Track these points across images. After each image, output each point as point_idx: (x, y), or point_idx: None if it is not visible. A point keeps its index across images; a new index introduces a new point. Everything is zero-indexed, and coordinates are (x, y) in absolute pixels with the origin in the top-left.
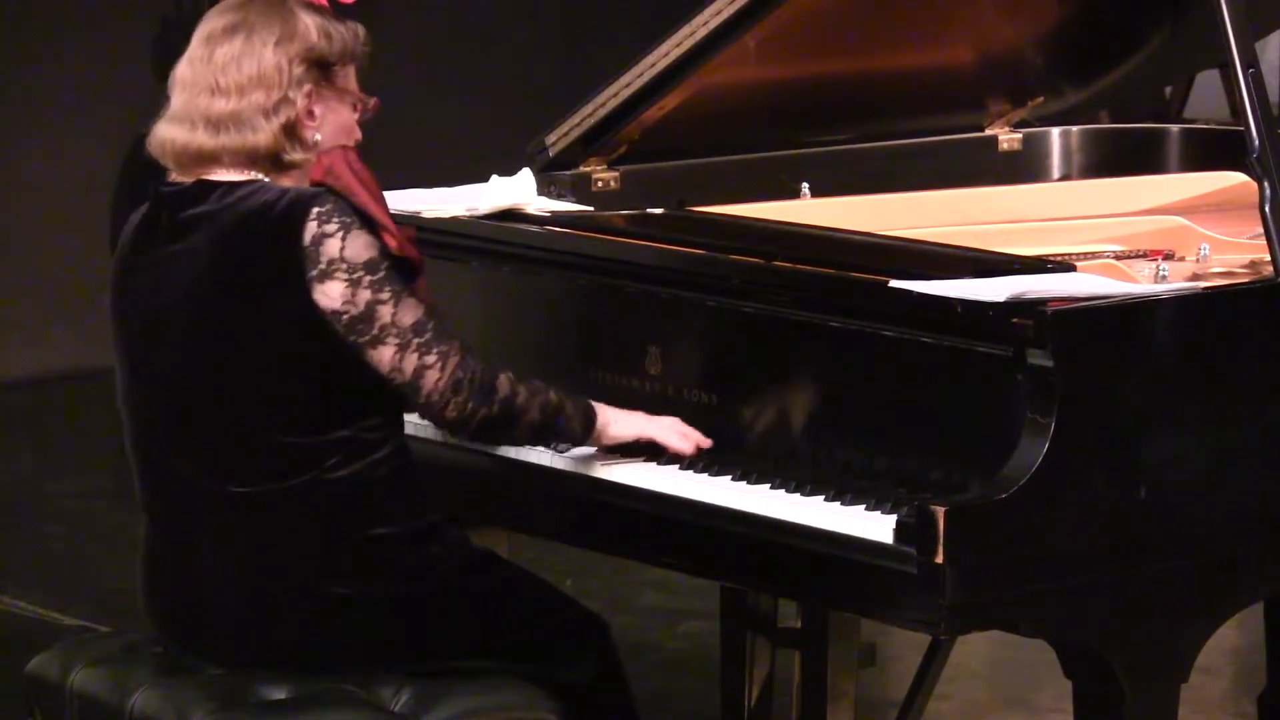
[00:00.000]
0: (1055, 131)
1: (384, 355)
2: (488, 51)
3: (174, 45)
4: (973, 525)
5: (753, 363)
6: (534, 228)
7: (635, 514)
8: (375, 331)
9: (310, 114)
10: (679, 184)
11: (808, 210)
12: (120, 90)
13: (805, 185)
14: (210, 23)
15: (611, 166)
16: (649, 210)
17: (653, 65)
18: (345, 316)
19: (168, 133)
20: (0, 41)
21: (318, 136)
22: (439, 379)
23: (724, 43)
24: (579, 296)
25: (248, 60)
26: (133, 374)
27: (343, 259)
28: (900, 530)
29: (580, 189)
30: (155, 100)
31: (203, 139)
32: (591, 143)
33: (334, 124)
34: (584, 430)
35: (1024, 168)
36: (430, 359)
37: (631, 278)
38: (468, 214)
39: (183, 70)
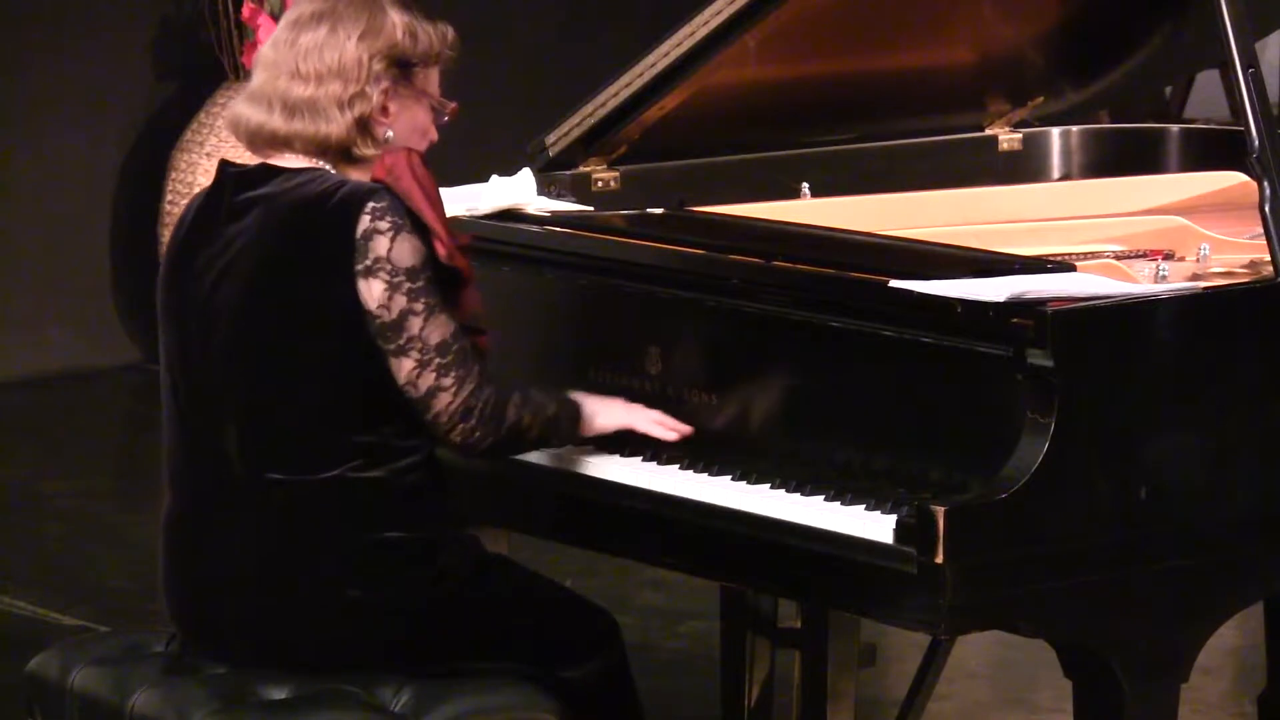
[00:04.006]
0: (1055, 131)
1: (404, 366)
2: (488, 51)
3: (174, 45)
4: (973, 525)
5: (753, 363)
6: (534, 228)
7: (635, 514)
8: (402, 341)
9: (385, 110)
10: (679, 184)
11: (808, 210)
12: (120, 90)
13: (805, 185)
14: (300, 7)
15: (611, 166)
16: (649, 210)
17: (653, 65)
18: (378, 320)
19: (244, 111)
20: (0, 41)
21: (389, 134)
22: (450, 402)
23: (724, 43)
24: (579, 296)
25: (330, 50)
26: (181, 349)
27: (388, 259)
28: (900, 530)
29: (580, 189)
30: (155, 100)
31: (277, 122)
32: (591, 143)
33: (408, 123)
34: (571, 431)
35: (1024, 168)
36: (446, 381)
37: (631, 278)
38: (468, 214)
39: (266, 51)
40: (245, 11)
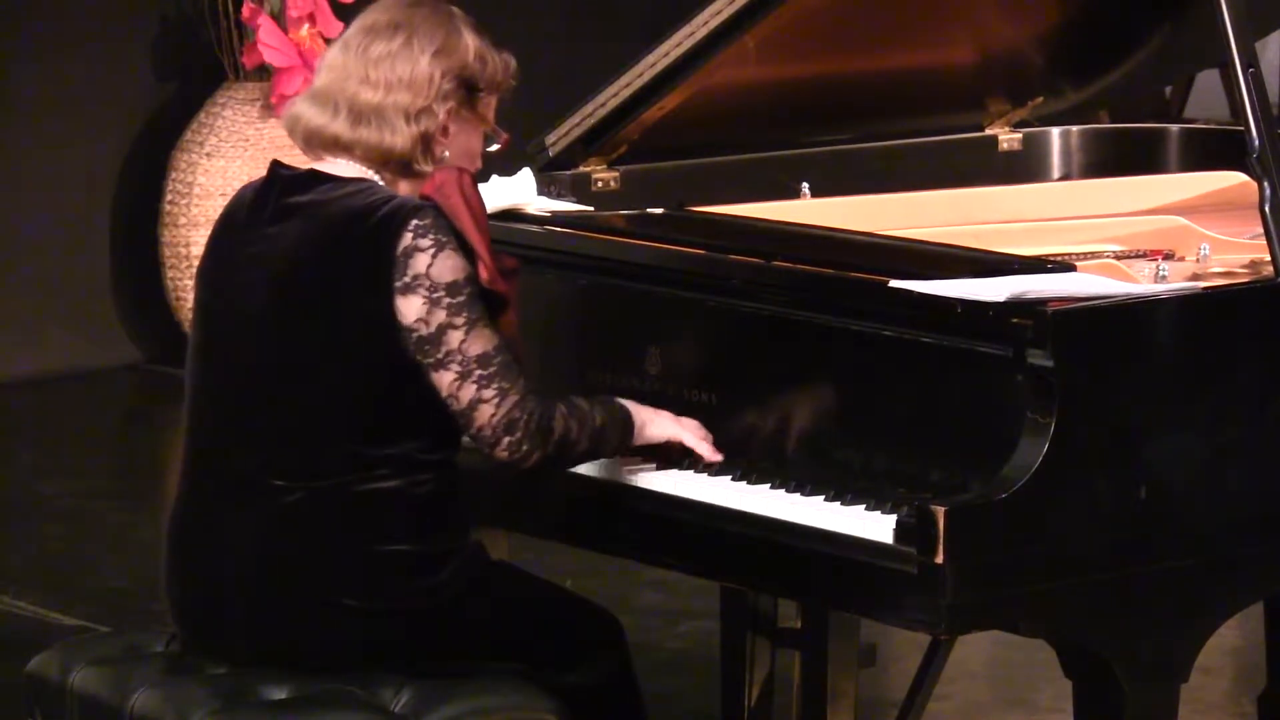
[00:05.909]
0: (1055, 131)
1: (444, 380)
2: None
3: (174, 45)
4: (973, 525)
5: (753, 363)
6: (534, 228)
7: (635, 514)
8: (441, 355)
9: (445, 130)
10: (679, 184)
11: (808, 210)
12: (120, 90)
13: (805, 185)
14: (374, 14)
15: (611, 166)
16: (649, 210)
17: (653, 65)
18: (416, 334)
19: (306, 111)
20: (0, 42)
21: (446, 153)
22: (493, 414)
23: (724, 43)
24: (579, 296)
25: (403, 61)
26: (207, 347)
27: (428, 275)
28: (900, 530)
29: (580, 189)
30: (155, 100)
31: (340, 126)
32: (591, 143)
33: (462, 146)
34: (622, 442)
35: (1024, 168)
36: (488, 393)
37: (631, 278)
38: None
39: (334, 54)
40: (245, 11)
